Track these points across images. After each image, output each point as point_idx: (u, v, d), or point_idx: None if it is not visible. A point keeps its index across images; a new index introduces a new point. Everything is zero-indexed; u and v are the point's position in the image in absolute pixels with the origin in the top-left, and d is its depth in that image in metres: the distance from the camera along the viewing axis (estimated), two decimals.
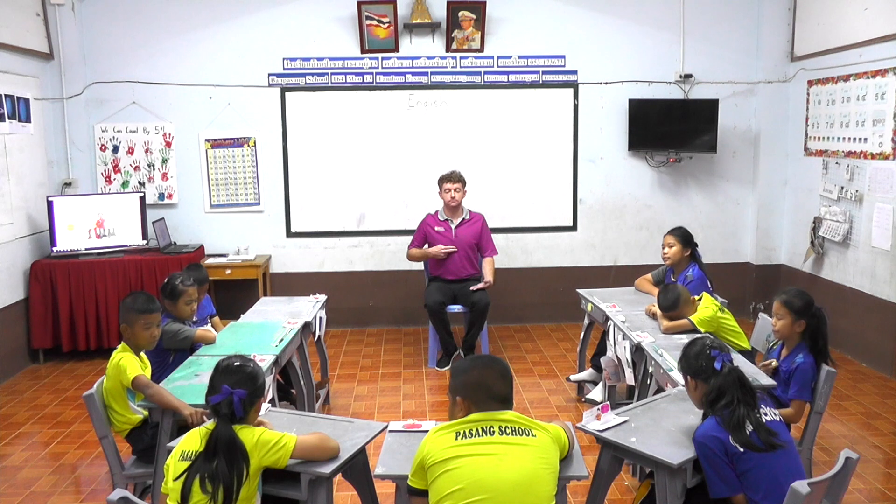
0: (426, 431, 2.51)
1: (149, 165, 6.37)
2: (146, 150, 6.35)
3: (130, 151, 6.34)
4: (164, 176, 6.39)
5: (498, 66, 6.45)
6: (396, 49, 6.34)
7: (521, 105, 6.48)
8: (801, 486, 2.10)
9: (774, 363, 3.35)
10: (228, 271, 6.07)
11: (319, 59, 6.36)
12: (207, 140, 6.39)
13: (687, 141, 6.38)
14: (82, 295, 5.68)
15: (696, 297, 3.99)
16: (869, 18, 5.31)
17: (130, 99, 6.29)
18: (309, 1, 6.30)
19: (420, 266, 5.96)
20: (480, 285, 5.45)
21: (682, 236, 4.49)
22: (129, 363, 3.13)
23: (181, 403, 2.99)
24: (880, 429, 4.34)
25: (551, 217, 6.65)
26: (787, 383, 3.22)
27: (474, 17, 6.27)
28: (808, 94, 6.14)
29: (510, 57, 6.44)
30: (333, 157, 6.46)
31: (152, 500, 3.05)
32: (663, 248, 4.55)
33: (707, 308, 3.86)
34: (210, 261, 6.10)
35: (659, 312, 3.98)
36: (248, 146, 6.42)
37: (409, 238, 5.79)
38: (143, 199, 6.08)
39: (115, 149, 6.33)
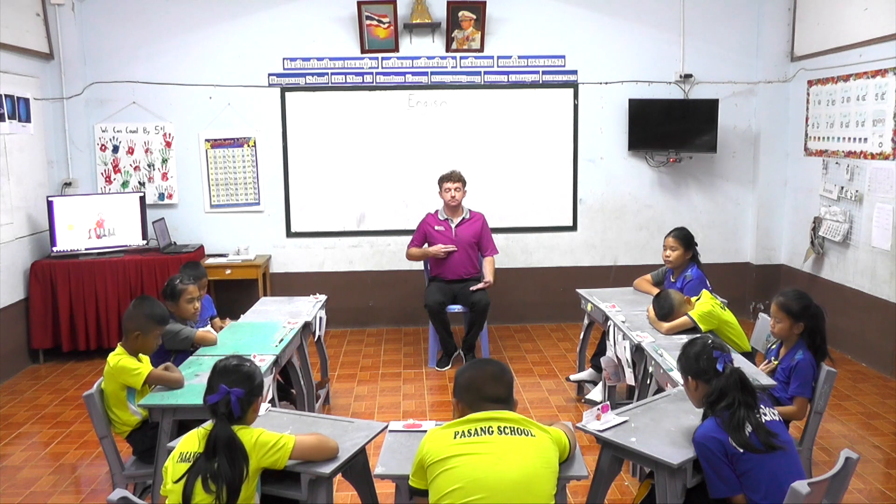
0: (426, 431, 2.51)
1: (149, 165, 6.37)
2: (146, 150, 6.35)
3: (130, 151, 6.34)
4: (164, 176, 6.38)
5: (498, 66, 6.45)
6: (396, 49, 6.34)
7: (521, 105, 6.48)
8: (801, 486, 2.10)
9: (774, 363, 3.35)
10: (228, 271, 6.07)
11: (319, 59, 6.36)
12: (207, 140, 6.38)
13: (687, 141, 6.38)
14: (82, 295, 5.68)
15: (695, 297, 3.99)
16: (869, 18, 5.31)
17: (130, 99, 6.29)
18: (309, 1, 6.30)
19: (420, 266, 5.96)
20: (480, 285, 5.45)
21: (684, 239, 4.47)
22: (132, 363, 3.14)
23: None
24: (880, 429, 4.34)
25: (551, 217, 6.64)
26: (786, 381, 3.22)
27: (474, 17, 6.27)
28: (808, 94, 6.14)
29: (510, 57, 6.44)
30: (333, 157, 6.46)
31: (152, 500, 3.05)
32: (665, 251, 4.53)
33: (705, 303, 3.86)
34: (210, 261, 6.10)
35: (653, 317, 3.98)
36: (248, 146, 6.42)
37: (409, 238, 5.79)
38: (143, 199, 6.08)
39: (115, 149, 6.33)
